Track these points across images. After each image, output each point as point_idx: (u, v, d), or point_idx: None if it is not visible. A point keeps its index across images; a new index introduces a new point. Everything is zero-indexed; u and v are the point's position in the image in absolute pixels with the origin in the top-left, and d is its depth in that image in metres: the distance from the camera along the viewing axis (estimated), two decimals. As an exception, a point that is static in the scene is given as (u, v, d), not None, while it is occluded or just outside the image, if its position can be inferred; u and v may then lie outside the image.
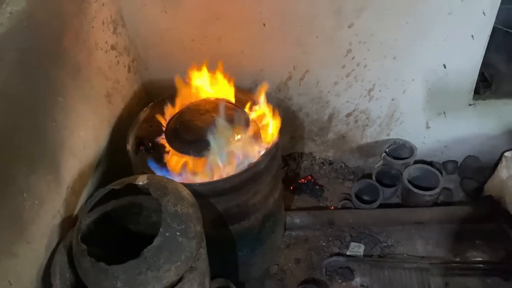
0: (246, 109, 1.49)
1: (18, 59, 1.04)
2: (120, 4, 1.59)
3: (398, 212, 1.80)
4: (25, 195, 1.07)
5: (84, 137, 1.36)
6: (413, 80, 1.72)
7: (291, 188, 1.99)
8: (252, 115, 1.49)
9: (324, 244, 1.78)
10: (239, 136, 1.37)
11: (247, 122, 1.42)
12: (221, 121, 1.35)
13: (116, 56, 1.59)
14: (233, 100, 1.52)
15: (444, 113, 1.82)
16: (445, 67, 1.67)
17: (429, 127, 1.89)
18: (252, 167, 1.32)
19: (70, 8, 1.28)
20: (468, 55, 1.63)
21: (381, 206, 1.86)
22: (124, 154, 1.40)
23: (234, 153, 1.35)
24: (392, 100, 1.80)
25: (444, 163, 2.01)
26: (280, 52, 1.70)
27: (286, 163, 2.07)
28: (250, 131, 1.41)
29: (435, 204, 1.86)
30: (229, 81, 1.52)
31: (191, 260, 1.16)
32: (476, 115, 1.81)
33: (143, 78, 1.82)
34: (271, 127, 1.46)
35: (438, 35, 1.58)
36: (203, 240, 1.22)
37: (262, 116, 1.49)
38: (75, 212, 1.31)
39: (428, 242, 1.76)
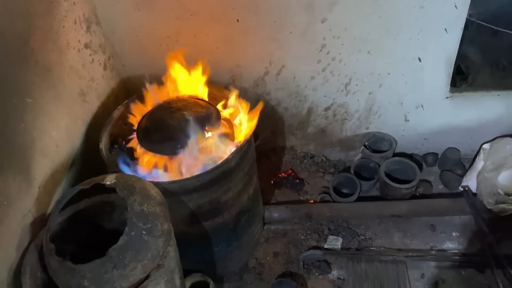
0: (219, 107, 1.50)
1: None
2: (94, 3, 1.59)
3: (375, 206, 1.80)
4: None
5: (56, 136, 1.37)
6: (389, 73, 1.72)
7: (272, 182, 2.00)
8: (225, 113, 1.49)
9: (302, 237, 1.80)
10: (209, 134, 1.38)
11: (218, 120, 1.43)
12: (191, 120, 1.36)
13: (90, 55, 1.59)
14: (206, 97, 1.53)
15: (422, 106, 1.83)
16: (420, 60, 1.66)
17: (408, 120, 1.89)
18: (222, 164, 1.33)
19: (36, 9, 1.28)
20: (442, 48, 1.63)
21: (360, 199, 1.87)
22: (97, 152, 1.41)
23: (204, 151, 1.36)
24: (369, 94, 1.80)
25: (424, 156, 2.02)
26: (255, 48, 1.70)
27: (268, 157, 2.08)
28: (221, 128, 1.42)
29: (414, 196, 1.87)
30: (203, 78, 1.53)
31: (157, 258, 1.17)
32: (453, 108, 1.81)
33: (121, 75, 1.82)
34: (244, 124, 1.47)
35: (411, 29, 1.58)
36: (171, 238, 1.23)
37: (235, 114, 1.50)
38: (48, 211, 1.32)
39: (405, 235, 1.78)
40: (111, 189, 1.23)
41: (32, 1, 1.26)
